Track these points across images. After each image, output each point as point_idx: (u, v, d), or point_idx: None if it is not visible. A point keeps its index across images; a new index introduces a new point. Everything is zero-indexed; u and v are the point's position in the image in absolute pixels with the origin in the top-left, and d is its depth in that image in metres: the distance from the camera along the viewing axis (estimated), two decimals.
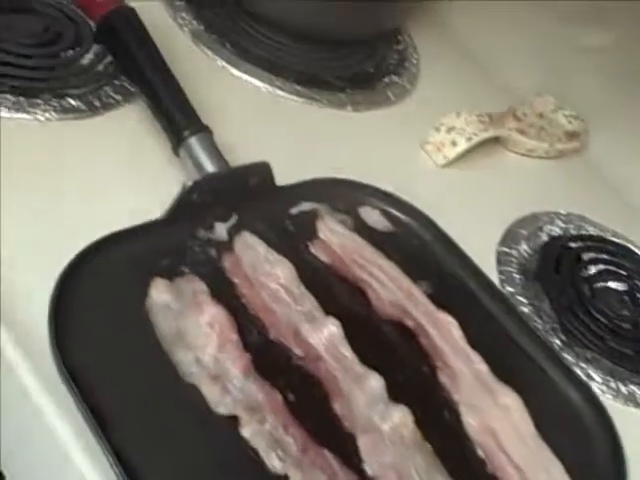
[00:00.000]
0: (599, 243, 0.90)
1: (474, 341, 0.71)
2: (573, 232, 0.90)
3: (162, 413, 0.58)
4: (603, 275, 0.86)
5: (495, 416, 0.67)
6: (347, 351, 0.66)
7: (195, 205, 0.68)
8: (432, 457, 0.63)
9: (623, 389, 0.76)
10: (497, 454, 0.65)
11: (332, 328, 0.67)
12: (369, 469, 0.61)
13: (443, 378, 0.68)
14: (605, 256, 0.88)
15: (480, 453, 0.65)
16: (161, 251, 0.67)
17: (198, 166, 0.70)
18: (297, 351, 0.65)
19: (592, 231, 0.91)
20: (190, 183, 0.68)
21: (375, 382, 0.65)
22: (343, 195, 0.78)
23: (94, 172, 0.72)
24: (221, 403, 0.60)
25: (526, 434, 0.67)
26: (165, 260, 0.67)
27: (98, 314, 0.61)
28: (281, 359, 0.65)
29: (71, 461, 0.55)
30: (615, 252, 0.89)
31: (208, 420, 0.59)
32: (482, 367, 0.70)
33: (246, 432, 0.59)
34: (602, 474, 0.66)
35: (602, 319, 0.81)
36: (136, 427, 0.56)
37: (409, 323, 0.71)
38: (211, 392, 0.60)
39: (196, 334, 0.63)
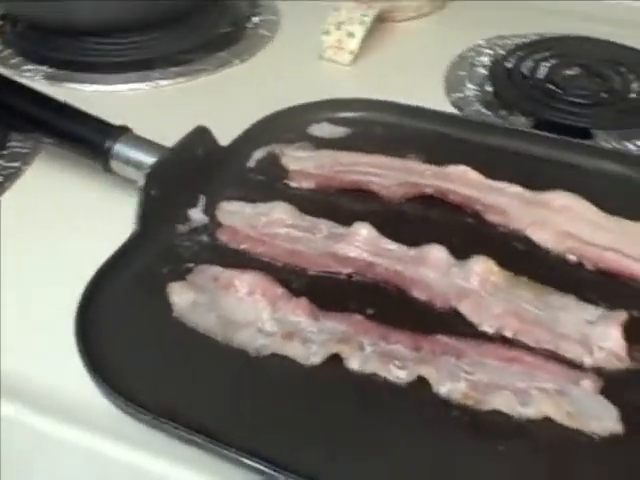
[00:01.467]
0: (532, 47, 0.87)
1: (492, 176, 0.67)
2: (502, 52, 0.87)
3: (266, 398, 0.51)
4: (556, 69, 0.83)
5: (562, 221, 0.62)
6: (391, 244, 0.60)
7: (158, 201, 0.61)
8: (533, 285, 0.58)
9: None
10: (586, 249, 0.60)
11: (363, 231, 0.61)
12: (488, 328, 0.55)
13: (492, 217, 0.63)
14: (546, 53, 0.85)
15: (571, 258, 0.60)
16: (157, 261, 0.60)
17: (138, 165, 0.62)
18: (346, 271, 0.59)
19: (517, 41, 0.88)
20: (142, 180, 0.60)
21: (438, 252, 0.59)
22: (286, 126, 0.73)
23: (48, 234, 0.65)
24: (310, 354, 0.53)
25: (600, 220, 0.62)
26: (165, 267, 0.59)
27: (133, 344, 0.54)
28: (337, 286, 0.58)
29: None
30: (550, 46, 0.87)
31: (311, 376, 0.52)
32: (516, 189, 0.65)
33: (354, 364, 0.52)
34: None
35: (584, 101, 0.78)
36: (257, 425, 0.49)
37: (427, 191, 0.65)
38: (294, 349, 0.53)
39: (243, 310, 0.55)
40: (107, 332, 0.54)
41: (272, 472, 0.46)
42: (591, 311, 0.56)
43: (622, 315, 0.55)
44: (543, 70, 0.83)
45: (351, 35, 0.84)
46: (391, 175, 0.67)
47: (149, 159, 0.62)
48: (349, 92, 0.77)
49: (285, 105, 0.74)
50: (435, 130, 0.73)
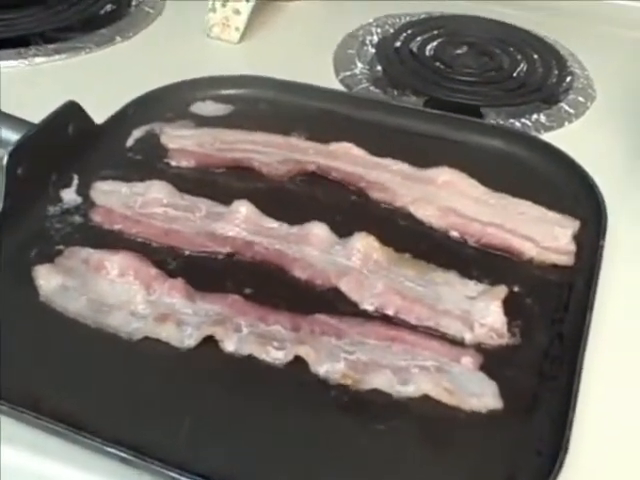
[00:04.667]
0: (421, 25, 0.86)
1: (377, 153, 0.66)
2: (392, 30, 0.86)
3: (138, 383, 0.48)
4: (444, 47, 0.83)
5: (445, 197, 0.61)
6: (272, 222, 0.59)
7: (26, 181, 0.58)
8: (415, 262, 0.57)
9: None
10: (468, 225, 0.60)
11: (242, 209, 0.59)
12: (369, 306, 0.54)
13: (375, 194, 0.62)
14: (434, 32, 0.85)
15: (454, 234, 0.60)
16: (25, 244, 0.56)
17: (4, 143, 0.59)
18: (225, 251, 0.57)
19: (406, 20, 0.88)
20: (5, 157, 0.57)
21: (319, 229, 0.58)
22: (167, 104, 0.70)
23: None
24: (184, 337, 0.50)
25: (483, 196, 0.62)
26: (33, 250, 0.56)
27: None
28: (214, 266, 0.56)
29: None
30: (439, 25, 0.87)
31: (186, 359, 0.50)
32: (402, 166, 0.64)
33: (229, 346, 0.50)
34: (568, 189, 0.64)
35: (472, 79, 0.78)
36: (128, 412, 0.47)
37: (310, 168, 0.64)
38: (168, 332, 0.50)
39: (115, 292, 0.53)
40: None
41: (139, 460, 0.44)
42: (472, 287, 0.55)
43: (502, 290, 0.54)
44: (431, 48, 0.83)
45: (237, 12, 0.81)
46: (273, 152, 0.65)
47: (13, 136, 0.59)
48: (236, 70, 0.75)
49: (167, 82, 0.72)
50: (320, 107, 0.71)
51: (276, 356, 0.50)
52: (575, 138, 0.72)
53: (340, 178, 0.63)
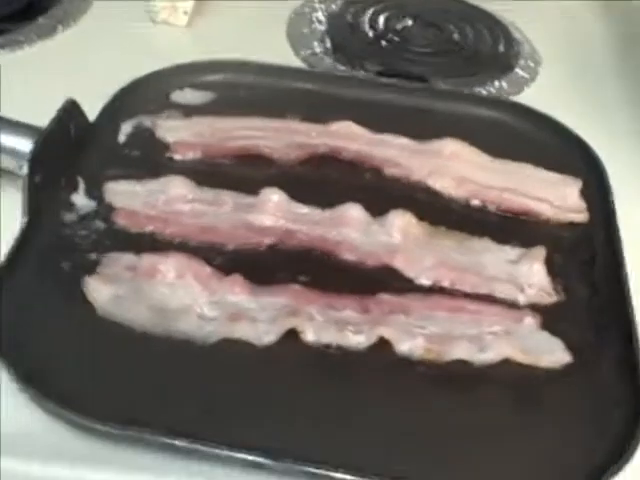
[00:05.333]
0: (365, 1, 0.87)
1: (375, 129, 0.66)
2: (334, 6, 0.85)
3: (226, 387, 0.47)
4: (392, 20, 0.84)
5: (456, 167, 0.63)
6: (303, 207, 0.58)
7: (41, 189, 0.54)
8: (451, 233, 0.58)
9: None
10: (486, 193, 0.61)
11: (275, 197, 0.57)
12: (425, 280, 0.55)
13: (391, 170, 0.62)
14: (379, 5, 0.85)
15: (475, 202, 0.61)
16: (54, 256, 0.52)
17: (14, 154, 0.54)
18: (268, 241, 0.56)
19: None
20: (25, 168, 0.52)
21: (354, 211, 0.57)
22: (147, 95, 0.66)
23: None
24: (261, 333, 0.49)
25: (488, 163, 0.64)
26: (65, 263, 0.52)
27: (62, 353, 0.47)
28: (261, 258, 0.55)
29: None
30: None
31: (268, 355, 0.49)
32: (405, 140, 0.65)
33: (310, 336, 0.49)
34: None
35: (427, 50, 0.80)
36: (230, 416, 0.45)
37: (321, 150, 0.63)
38: (244, 330, 0.49)
39: (176, 296, 0.50)
40: (31, 345, 0.47)
41: (267, 460, 0.43)
42: (509, 251, 0.58)
43: (541, 251, 0.57)
44: (382, 22, 0.84)
45: None
46: (277, 137, 0.64)
47: (25, 145, 0.54)
48: (191, 56, 0.72)
49: (129, 74, 0.67)
50: (303, 88, 0.70)
51: (357, 340, 0.50)
52: (540, 99, 0.75)
53: (351, 158, 0.63)
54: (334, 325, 0.50)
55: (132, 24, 0.79)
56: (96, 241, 0.54)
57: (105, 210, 0.56)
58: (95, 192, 0.57)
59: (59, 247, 0.53)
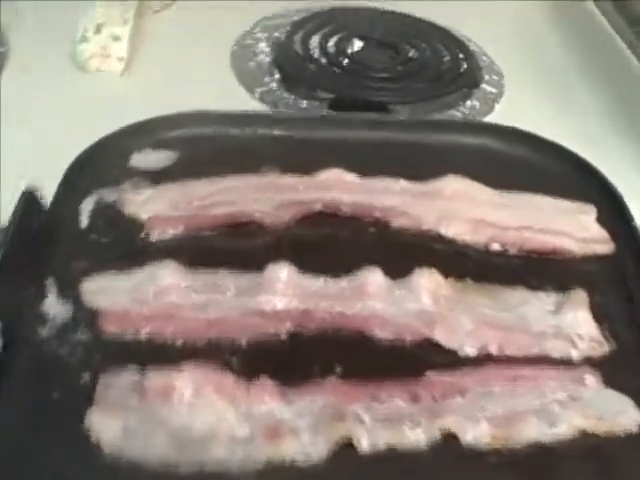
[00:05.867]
0: (310, 24, 0.80)
1: (364, 173, 0.59)
2: (277, 34, 0.78)
3: None
4: (343, 42, 0.77)
5: (462, 208, 0.57)
6: (316, 279, 0.50)
7: (7, 306, 0.44)
8: (480, 287, 0.52)
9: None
10: (505, 235, 0.55)
11: (283, 274, 0.50)
12: (469, 348, 0.48)
13: (397, 221, 0.56)
14: (326, 29, 0.79)
15: (495, 247, 0.55)
16: (36, 388, 0.43)
17: None
18: (284, 327, 0.48)
19: (287, 21, 0.80)
20: None
21: (373, 277, 0.50)
22: (104, 165, 0.57)
23: None
24: (309, 447, 0.42)
25: (496, 198, 0.58)
26: (54, 392, 0.43)
27: None
28: (283, 350, 0.47)
29: None
30: (328, 20, 0.80)
31: (324, 473, 0.41)
32: (402, 184, 0.58)
33: (364, 443, 0.42)
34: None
35: (387, 74, 0.74)
36: None
37: (316, 207, 0.55)
38: (287, 447, 0.41)
39: (199, 417, 0.42)
40: None
41: None
42: (545, 299, 0.52)
43: (582, 295, 0.51)
44: (332, 46, 0.77)
45: (116, 39, 0.69)
46: (263, 198, 0.56)
47: None
48: (136, 109, 0.63)
49: (72, 143, 0.57)
50: (270, 134, 0.62)
51: (417, 437, 0.43)
52: (514, 114, 0.70)
53: (350, 211, 0.56)
54: (386, 423, 0.43)
55: (59, 76, 0.69)
56: (84, 358, 0.45)
57: (86, 316, 0.47)
58: (69, 294, 0.48)
59: (40, 374, 0.44)
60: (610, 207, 0.58)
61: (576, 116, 0.72)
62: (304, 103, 0.69)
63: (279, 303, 0.49)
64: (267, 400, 0.43)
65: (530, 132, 0.64)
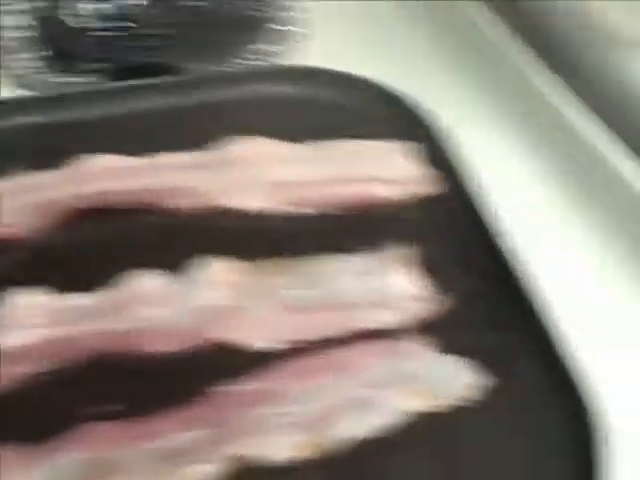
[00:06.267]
0: None
1: (138, 153, 0.48)
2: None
3: None
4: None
5: (254, 172, 0.47)
6: (73, 297, 0.40)
7: None
8: (278, 264, 0.42)
9: None
10: (301, 192, 0.46)
11: (21, 301, 0.39)
12: (268, 343, 0.39)
13: (179, 204, 0.45)
14: None
15: (291, 210, 0.46)
16: None
17: None
18: (38, 366, 0.37)
19: None
20: None
21: (148, 281, 0.41)
22: None
23: None
24: None
25: (295, 152, 0.49)
26: None
27: None
28: (41, 399, 0.37)
29: None
30: None
31: None
32: (181, 157, 0.48)
33: None
34: None
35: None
36: None
37: (77, 204, 0.45)
38: None
39: None
40: None
41: None
42: (360, 262, 0.43)
43: (404, 251, 0.43)
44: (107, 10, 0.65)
45: None
46: (14, 201, 0.45)
47: None
48: None
49: None
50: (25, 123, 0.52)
51: (205, 473, 0.34)
52: (317, 53, 0.61)
53: (122, 203, 0.45)
54: (165, 464, 0.34)
55: None
56: None
57: None
58: None
59: None
60: (434, 145, 0.50)
61: (395, 54, 0.63)
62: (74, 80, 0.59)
63: (26, 337, 0.39)
64: (12, 468, 0.33)
65: (336, 70, 0.55)
